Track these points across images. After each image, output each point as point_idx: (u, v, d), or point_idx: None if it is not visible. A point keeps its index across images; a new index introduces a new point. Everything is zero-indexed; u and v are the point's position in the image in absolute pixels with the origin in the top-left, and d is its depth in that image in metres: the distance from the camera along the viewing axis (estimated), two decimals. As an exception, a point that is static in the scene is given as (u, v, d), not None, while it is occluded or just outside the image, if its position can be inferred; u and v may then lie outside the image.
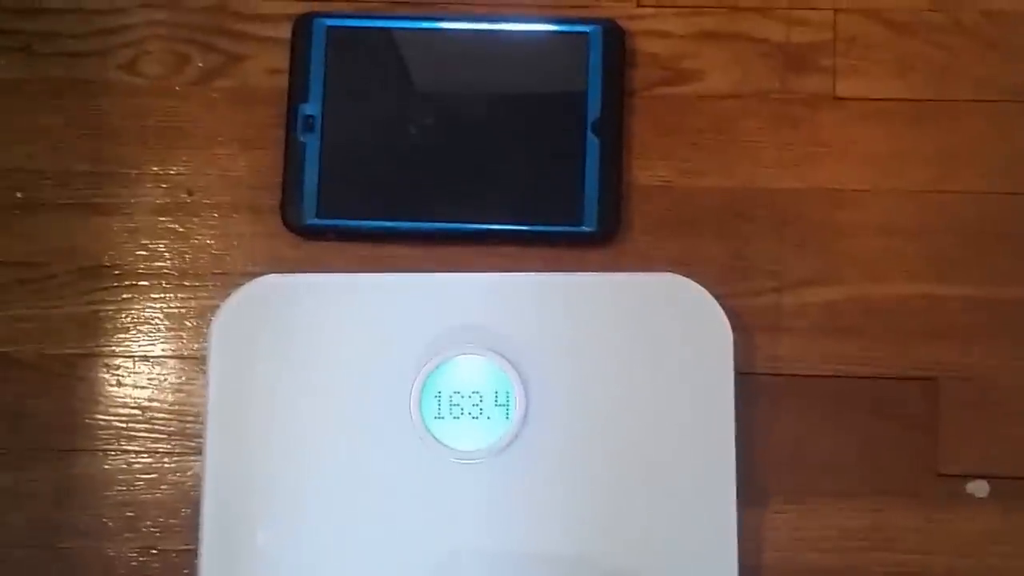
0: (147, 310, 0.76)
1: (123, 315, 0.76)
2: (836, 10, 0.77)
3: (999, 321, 0.75)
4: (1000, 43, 0.77)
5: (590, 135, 0.75)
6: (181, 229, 0.77)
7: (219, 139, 0.78)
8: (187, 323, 0.76)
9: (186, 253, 0.77)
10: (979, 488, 0.74)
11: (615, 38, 0.76)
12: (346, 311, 0.73)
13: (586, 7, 0.78)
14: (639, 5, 0.78)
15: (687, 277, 0.72)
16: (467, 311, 0.73)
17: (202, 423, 0.72)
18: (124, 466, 0.75)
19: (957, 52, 0.77)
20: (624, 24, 0.77)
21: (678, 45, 0.78)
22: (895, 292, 0.75)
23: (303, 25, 0.77)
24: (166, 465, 0.75)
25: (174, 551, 0.75)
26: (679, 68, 0.77)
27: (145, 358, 0.76)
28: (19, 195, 0.77)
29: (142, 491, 0.75)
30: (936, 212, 0.76)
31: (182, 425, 0.75)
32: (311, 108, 0.76)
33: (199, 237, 0.77)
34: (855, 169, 0.76)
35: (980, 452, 0.74)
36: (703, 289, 0.72)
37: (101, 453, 0.75)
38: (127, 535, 0.75)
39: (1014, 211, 0.76)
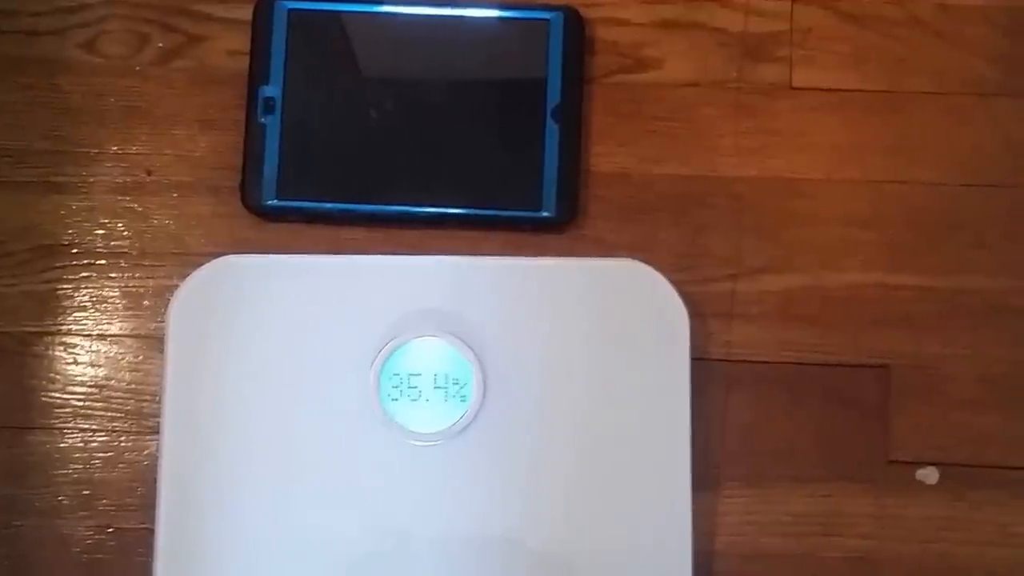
0: (105, 289, 0.76)
1: (81, 293, 0.76)
2: (793, 1, 0.78)
3: (951, 310, 0.76)
4: (955, 36, 0.78)
5: (549, 121, 0.76)
6: (140, 209, 0.77)
7: (179, 119, 0.78)
8: (145, 302, 0.76)
9: (145, 233, 0.77)
10: (929, 475, 0.75)
11: (575, 25, 0.77)
12: (305, 293, 0.73)
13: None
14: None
15: (644, 263, 0.73)
16: (426, 294, 0.73)
17: (159, 403, 0.72)
18: (80, 444, 0.75)
19: (912, 45, 0.78)
20: (583, 11, 0.77)
21: (637, 33, 0.78)
22: (849, 280, 0.76)
23: (264, 7, 0.77)
24: (122, 444, 0.75)
25: (130, 530, 0.75)
26: (638, 56, 0.78)
27: (102, 337, 0.76)
28: (-23, 173, 0.78)
29: (98, 470, 0.75)
30: (891, 202, 0.77)
31: (139, 404, 0.75)
32: (271, 90, 0.76)
33: (158, 217, 0.77)
34: (811, 158, 0.77)
35: (930, 439, 0.75)
36: (660, 275, 0.73)
37: (57, 431, 0.75)
38: (82, 513, 0.75)
39: (967, 202, 0.77)
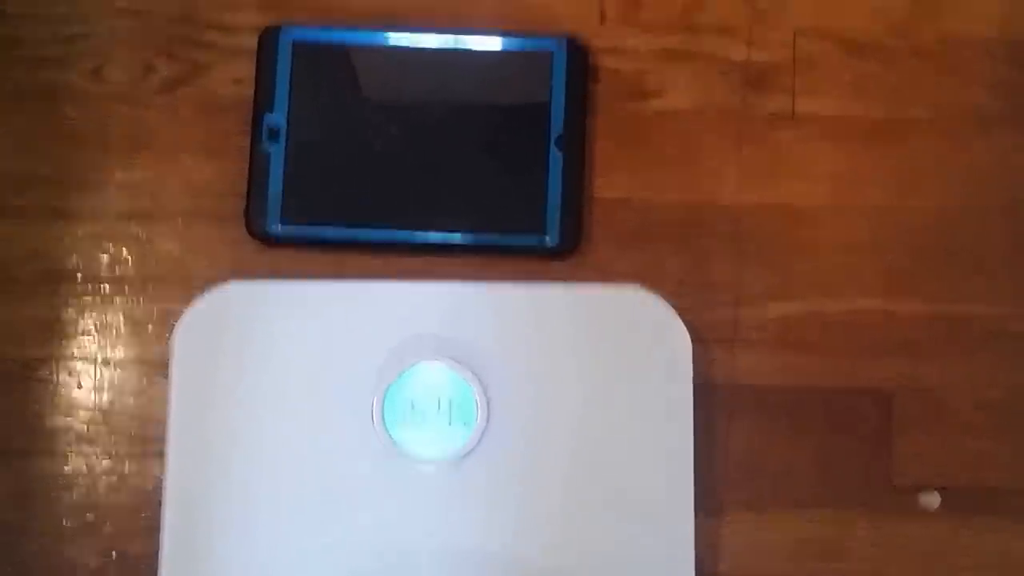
0: (109, 314, 0.77)
1: (85, 319, 0.76)
2: (796, 31, 0.79)
3: (952, 335, 0.77)
4: (954, 66, 0.79)
5: (553, 149, 0.76)
6: (144, 235, 0.77)
7: (184, 147, 0.78)
8: (149, 328, 0.76)
9: (149, 259, 0.77)
10: (931, 500, 0.75)
11: (578, 54, 0.78)
12: (309, 318, 0.73)
13: (550, 23, 0.79)
14: (602, 22, 0.79)
15: (647, 289, 0.74)
16: (430, 319, 0.73)
17: (164, 428, 0.72)
18: (84, 469, 0.75)
19: (913, 74, 0.79)
20: (587, 40, 0.78)
21: (640, 62, 0.79)
22: (851, 307, 0.77)
23: (269, 37, 0.78)
24: (127, 469, 0.75)
25: (134, 555, 0.75)
26: (641, 84, 0.79)
27: (107, 362, 0.76)
28: (-19, 198, 0.78)
29: (102, 494, 0.75)
30: (891, 229, 0.77)
31: (143, 429, 0.76)
32: (276, 118, 0.77)
33: (162, 243, 0.77)
34: (812, 186, 0.78)
35: (932, 465, 0.75)
36: (664, 301, 0.73)
37: (61, 456, 0.75)
38: (86, 538, 0.75)
39: (966, 229, 0.77)
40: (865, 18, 0.79)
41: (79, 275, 0.77)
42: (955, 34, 0.79)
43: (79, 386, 0.76)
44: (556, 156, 0.76)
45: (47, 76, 0.78)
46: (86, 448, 0.75)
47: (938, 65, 0.79)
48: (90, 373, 0.76)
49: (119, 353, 0.76)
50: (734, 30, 0.79)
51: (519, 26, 0.79)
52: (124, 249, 0.77)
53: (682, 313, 0.73)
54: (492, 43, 0.78)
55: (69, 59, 0.79)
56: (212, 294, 0.73)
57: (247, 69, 0.78)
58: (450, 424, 0.72)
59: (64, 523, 0.75)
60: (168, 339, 0.73)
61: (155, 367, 0.76)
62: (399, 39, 0.78)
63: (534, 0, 0.79)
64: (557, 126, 0.77)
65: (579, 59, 0.78)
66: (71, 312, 0.77)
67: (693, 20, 0.79)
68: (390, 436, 0.71)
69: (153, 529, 0.72)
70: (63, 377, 0.76)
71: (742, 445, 0.76)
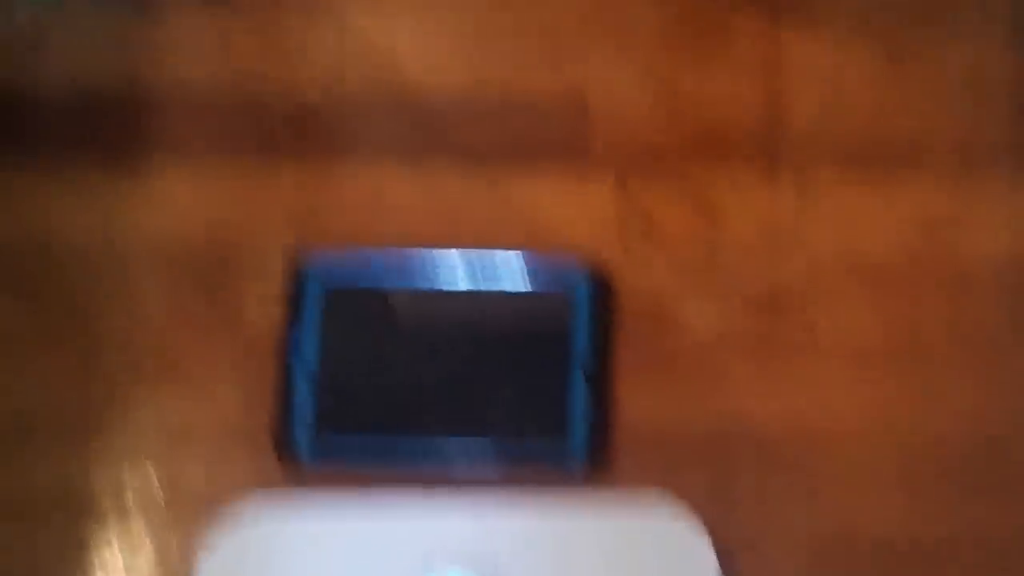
0: (135, 538, 0.76)
1: (111, 543, 0.76)
2: (812, 255, 0.80)
3: (980, 560, 0.76)
4: (968, 287, 0.80)
5: (576, 373, 0.77)
6: (172, 459, 0.77)
7: (212, 371, 0.78)
8: (175, 551, 0.76)
9: (176, 482, 0.77)
10: None
11: (600, 280, 0.79)
12: (334, 534, 0.73)
13: (569, 244, 0.81)
14: (621, 244, 0.81)
15: (672, 503, 0.74)
16: (456, 534, 0.73)
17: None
18: None
19: (931, 302, 0.80)
20: (607, 260, 0.80)
21: (659, 283, 0.80)
22: (877, 530, 0.76)
23: (299, 264, 0.79)
24: None
25: None
26: (660, 305, 0.80)
27: (132, 588, 0.76)
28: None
29: None
30: (916, 453, 0.77)
31: (170, 656, 0.75)
32: (306, 351, 0.78)
33: (190, 468, 0.77)
34: (834, 409, 0.78)
35: None
36: (689, 516, 0.74)
37: None
38: None
39: (993, 453, 0.77)
40: (880, 242, 0.81)
41: (104, 500, 0.77)
42: (967, 258, 0.80)
43: (103, 614, 0.76)
44: (579, 379, 0.77)
45: (78, 300, 0.80)
46: (110, 677, 0.75)
47: (951, 287, 0.80)
48: (114, 600, 0.76)
49: (144, 577, 0.76)
50: (752, 253, 0.80)
51: (538, 247, 0.80)
52: (150, 473, 0.77)
53: (707, 527, 0.73)
54: (514, 270, 0.79)
55: (95, 279, 0.80)
56: (236, 510, 0.74)
57: (277, 292, 0.79)
58: (476, 641, 0.72)
59: None
60: (194, 561, 0.73)
61: (180, 592, 0.76)
62: (429, 272, 0.79)
63: (552, 221, 0.81)
64: (580, 350, 0.78)
65: (601, 284, 0.79)
66: (95, 537, 0.76)
67: (711, 242, 0.81)
68: (418, 657, 0.71)
69: None
70: (86, 604, 0.76)
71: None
